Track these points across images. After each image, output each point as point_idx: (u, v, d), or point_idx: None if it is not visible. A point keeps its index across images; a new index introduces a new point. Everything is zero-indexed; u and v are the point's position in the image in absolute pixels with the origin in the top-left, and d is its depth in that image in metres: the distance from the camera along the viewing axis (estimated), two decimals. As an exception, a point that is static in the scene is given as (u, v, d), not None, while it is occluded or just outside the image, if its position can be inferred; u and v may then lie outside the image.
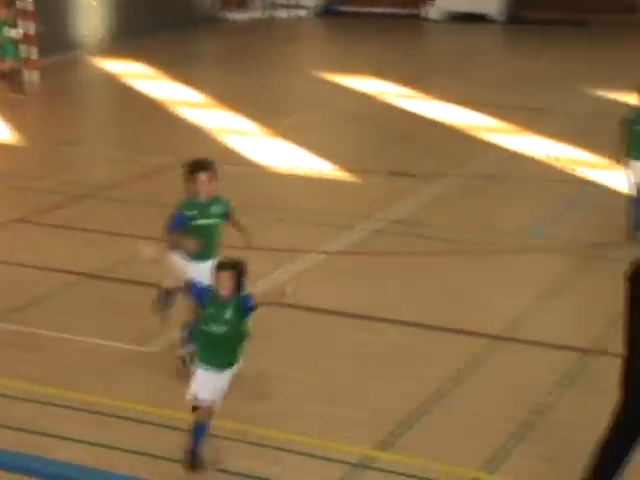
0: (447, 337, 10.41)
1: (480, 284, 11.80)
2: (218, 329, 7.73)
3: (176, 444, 8.10)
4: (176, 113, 19.83)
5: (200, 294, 7.88)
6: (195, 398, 7.76)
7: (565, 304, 11.35)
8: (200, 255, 9.10)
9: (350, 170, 16.08)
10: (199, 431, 7.82)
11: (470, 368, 9.66)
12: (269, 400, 8.91)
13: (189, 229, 9.13)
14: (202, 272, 8.62)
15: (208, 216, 9.19)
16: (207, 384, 7.74)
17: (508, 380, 9.50)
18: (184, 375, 8.83)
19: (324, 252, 12.73)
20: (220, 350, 7.75)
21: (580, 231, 13.57)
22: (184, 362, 9.27)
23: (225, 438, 8.24)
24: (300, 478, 7.80)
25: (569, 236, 13.36)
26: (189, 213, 9.13)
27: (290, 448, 8.18)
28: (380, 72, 23.36)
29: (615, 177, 15.48)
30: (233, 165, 16.25)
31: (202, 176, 9.12)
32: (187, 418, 8.42)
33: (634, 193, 12.97)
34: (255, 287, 11.30)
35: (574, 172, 16.19)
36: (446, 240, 13.07)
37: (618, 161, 13.05)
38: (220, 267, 7.78)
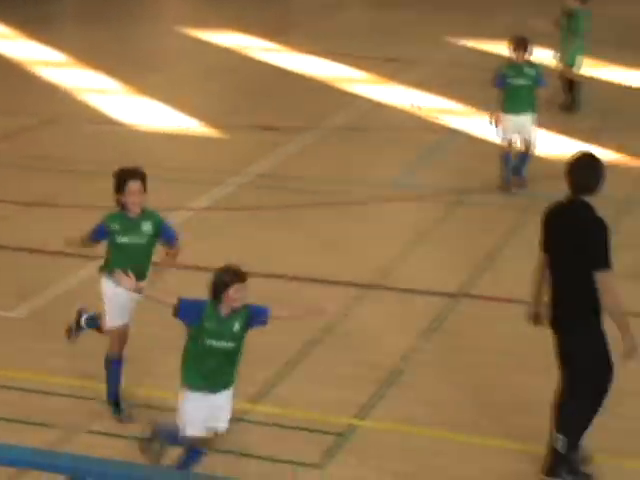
0: (318, 288, 10.48)
1: (348, 234, 11.90)
2: (227, 345, 6.82)
3: (43, 408, 8.00)
4: (34, 73, 19.32)
5: (195, 310, 6.83)
6: (184, 435, 6.94)
7: (432, 250, 11.55)
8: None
9: (216, 126, 15.97)
10: (192, 456, 7.14)
11: (341, 317, 9.75)
12: (143, 360, 8.81)
13: (114, 246, 8.00)
14: (130, 299, 7.87)
15: (135, 234, 7.96)
16: (199, 413, 6.88)
17: (379, 327, 9.63)
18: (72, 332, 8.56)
19: (192, 209, 12.64)
20: (225, 368, 6.89)
21: (444, 178, 13.81)
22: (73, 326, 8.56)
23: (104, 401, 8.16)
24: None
25: (434, 183, 13.58)
26: (112, 227, 7.93)
27: (164, 406, 8.14)
28: (242, 26, 23.20)
29: (477, 124, 15.78)
30: (96, 124, 15.99)
31: (133, 185, 7.83)
32: (53, 381, 8.30)
33: (506, 147, 13.04)
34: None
35: (437, 120, 16.43)
36: (314, 192, 13.13)
37: (492, 115, 12.97)
38: (237, 278, 6.75)
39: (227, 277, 6.79)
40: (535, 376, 8.58)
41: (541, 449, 7.35)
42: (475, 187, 13.27)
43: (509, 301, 10.03)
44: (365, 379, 8.62)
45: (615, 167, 13.45)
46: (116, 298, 7.89)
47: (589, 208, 7.07)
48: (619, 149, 14.51)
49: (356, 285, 10.50)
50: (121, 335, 8.05)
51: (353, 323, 9.71)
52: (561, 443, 7.13)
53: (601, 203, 7.31)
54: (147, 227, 7.99)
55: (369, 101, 17.56)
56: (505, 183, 13.07)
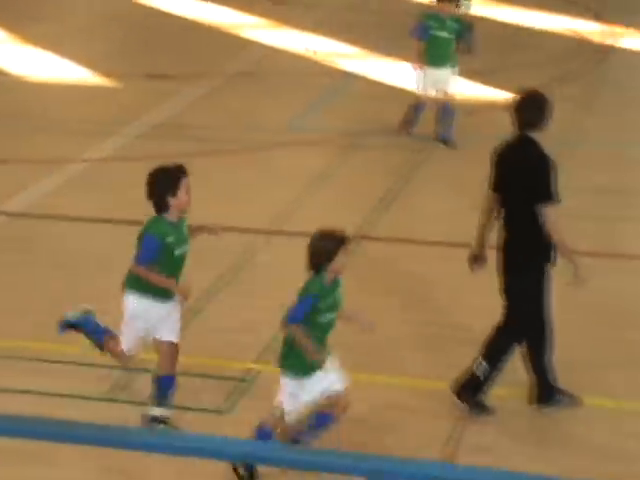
0: (220, 236, 10.38)
1: (247, 181, 11.80)
2: (335, 316, 6.43)
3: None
4: None
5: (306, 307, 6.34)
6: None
7: (331, 194, 11.53)
8: (168, 293, 6.91)
9: (108, 75, 15.64)
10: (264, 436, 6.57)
11: (240, 264, 9.70)
12: (36, 314, 8.65)
13: (166, 261, 6.82)
14: (162, 315, 6.98)
15: (185, 241, 6.91)
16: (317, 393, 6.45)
17: (277, 272, 9.59)
18: None
19: (85, 161, 12.40)
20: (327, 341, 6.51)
21: (342, 122, 13.78)
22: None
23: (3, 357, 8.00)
24: (73, 386, 7.64)
25: (332, 127, 13.54)
26: (168, 239, 6.79)
27: (57, 359, 8.01)
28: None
29: (373, 67, 15.78)
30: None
31: (186, 182, 6.78)
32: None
33: (422, 98, 12.64)
34: (14, 201, 10.99)
35: (332, 64, 16.37)
36: (209, 140, 12.99)
37: (417, 65, 12.50)
38: (343, 243, 6.22)
39: (332, 246, 6.22)
40: (432, 313, 8.67)
41: (430, 384, 7.45)
42: (372, 129, 13.27)
43: (409, 241, 10.10)
44: (265, 324, 8.57)
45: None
46: (146, 318, 6.93)
47: (534, 144, 7.11)
48: (515, 89, 14.64)
49: (258, 231, 10.44)
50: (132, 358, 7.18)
51: (252, 269, 9.65)
52: (482, 369, 7.21)
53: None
54: (186, 230, 7.01)
55: (263, 46, 17.41)
56: (404, 125, 12.88)
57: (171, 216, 6.80)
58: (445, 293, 9.01)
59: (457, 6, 12.78)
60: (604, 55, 17.21)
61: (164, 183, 6.77)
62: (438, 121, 12.72)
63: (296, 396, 6.41)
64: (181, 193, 6.75)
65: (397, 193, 11.43)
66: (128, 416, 7.12)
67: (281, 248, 10.18)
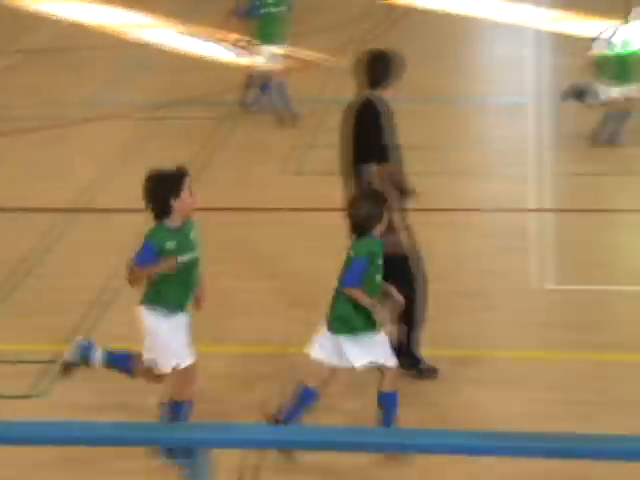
0: (27, 216, 10.01)
1: (50, 159, 11.48)
2: (381, 278, 6.37)
3: None
4: None
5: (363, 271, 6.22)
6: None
7: (137, 168, 11.15)
8: (180, 303, 6.34)
9: None
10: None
11: (50, 244, 9.37)
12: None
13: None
14: (177, 328, 6.33)
15: (191, 247, 6.29)
16: None
17: (86, 251, 9.30)
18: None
19: None
20: None
21: (144, 94, 13.59)
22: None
23: None
24: None
25: (133, 100, 13.31)
26: (167, 246, 6.18)
27: None
28: None
29: (175, 39, 15.57)
30: None
31: (188, 182, 6.19)
32: None
33: (275, 76, 12.14)
34: None
35: (136, 36, 16.08)
36: (8, 119, 12.61)
37: (246, 46, 12.10)
38: (386, 199, 6.30)
39: (381, 207, 6.20)
40: (264, 280, 8.59)
41: (260, 350, 7.34)
42: (178, 101, 13.10)
43: (228, 209, 10.00)
44: (76, 304, 8.30)
45: (317, 69, 13.67)
46: (183, 331, 6.34)
47: (370, 104, 7.03)
48: (315, 53, 14.70)
49: (63, 210, 10.10)
50: (193, 373, 6.43)
51: (64, 248, 9.33)
52: (401, 332, 7.09)
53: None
54: (194, 234, 6.37)
55: (63, 21, 16.95)
56: (257, 107, 12.42)
57: (173, 222, 6.22)
58: (272, 258, 8.95)
59: None
60: (401, 14, 17.52)
61: (165, 185, 6.20)
62: (253, 89, 12.51)
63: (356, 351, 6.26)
64: (185, 194, 6.19)
65: (207, 163, 11.27)
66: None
67: (92, 225, 9.89)
